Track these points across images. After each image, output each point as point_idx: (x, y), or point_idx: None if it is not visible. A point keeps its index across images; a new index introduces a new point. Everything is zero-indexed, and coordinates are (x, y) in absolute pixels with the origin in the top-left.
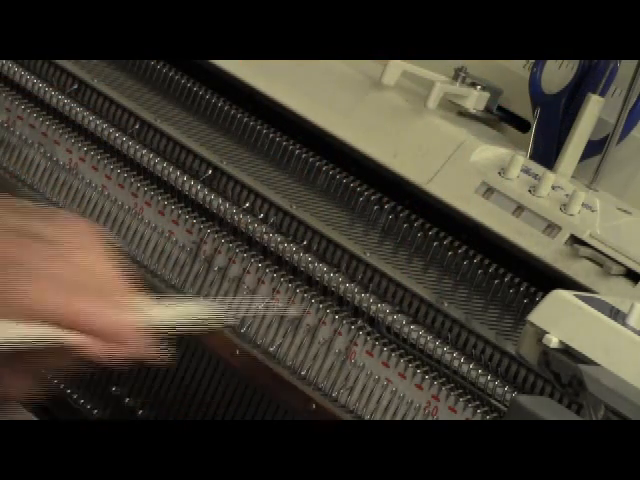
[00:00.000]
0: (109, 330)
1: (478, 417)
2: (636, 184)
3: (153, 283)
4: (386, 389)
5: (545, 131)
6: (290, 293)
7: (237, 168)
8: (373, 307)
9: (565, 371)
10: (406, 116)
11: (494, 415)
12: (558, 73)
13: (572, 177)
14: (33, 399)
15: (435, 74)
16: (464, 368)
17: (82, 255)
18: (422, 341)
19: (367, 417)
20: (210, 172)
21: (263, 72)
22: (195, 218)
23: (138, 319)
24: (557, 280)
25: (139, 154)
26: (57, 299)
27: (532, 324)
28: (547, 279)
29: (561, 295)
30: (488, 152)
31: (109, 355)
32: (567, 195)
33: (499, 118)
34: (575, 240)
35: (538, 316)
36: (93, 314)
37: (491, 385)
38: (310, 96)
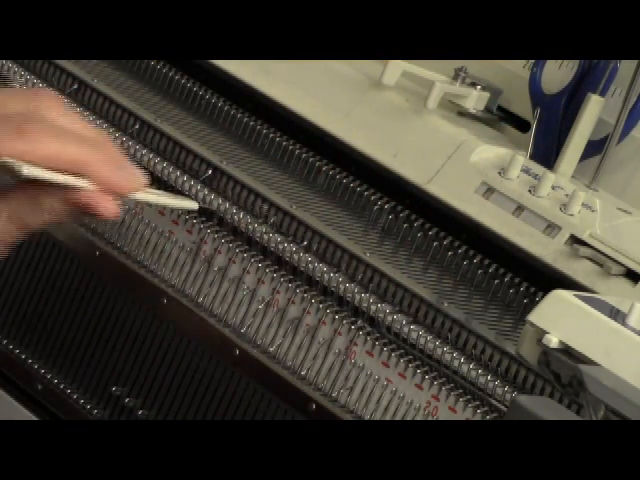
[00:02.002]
0: (118, 186)
1: (478, 417)
2: (636, 184)
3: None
4: (386, 389)
5: (545, 131)
6: (290, 293)
7: (237, 168)
8: (373, 307)
9: (565, 371)
10: (406, 116)
11: (494, 415)
12: (558, 73)
13: (572, 177)
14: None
15: (435, 74)
16: (464, 368)
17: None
18: (422, 341)
19: (367, 417)
20: (210, 172)
21: (263, 72)
22: (195, 218)
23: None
24: (557, 280)
25: (139, 154)
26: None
27: (532, 324)
28: (547, 279)
29: (561, 295)
30: (488, 152)
31: (113, 211)
32: (567, 195)
33: (499, 118)
34: (575, 240)
35: (538, 316)
36: (107, 167)
37: (491, 385)
38: (310, 96)
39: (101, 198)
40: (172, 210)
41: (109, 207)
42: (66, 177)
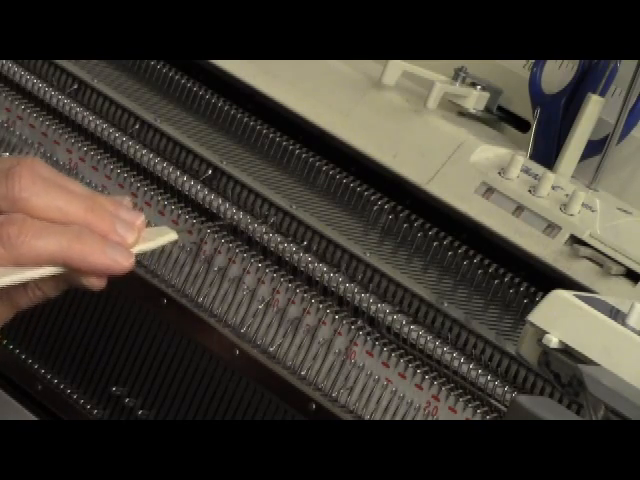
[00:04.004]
0: (106, 270)
1: (478, 417)
2: (636, 184)
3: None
4: (386, 389)
5: (545, 131)
6: (290, 293)
7: (237, 168)
8: (373, 307)
9: (565, 371)
10: (406, 116)
11: (494, 415)
12: (558, 73)
13: (572, 177)
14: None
15: (435, 74)
16: (464, 368)
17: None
18: (422, 341)
19: (367, 417)
20: (210, 172)
21: (263, 72)
22: (195, 218)
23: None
24: (557, 280)
25: (139, 154)
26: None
27: (532, 324)
28: (547, 279)
29: (561, 295)
30: (488, 152)
31: (100, 286)
32: (567, 195)
33: (499, 118)
34: (575, 240)
35: (538, 316)
36: (91, 254)
37: (491, 385)
38: (310, 96)
39: (87, 277)
40: (172, 210)
41: (95, 283)
42: (44, 271)
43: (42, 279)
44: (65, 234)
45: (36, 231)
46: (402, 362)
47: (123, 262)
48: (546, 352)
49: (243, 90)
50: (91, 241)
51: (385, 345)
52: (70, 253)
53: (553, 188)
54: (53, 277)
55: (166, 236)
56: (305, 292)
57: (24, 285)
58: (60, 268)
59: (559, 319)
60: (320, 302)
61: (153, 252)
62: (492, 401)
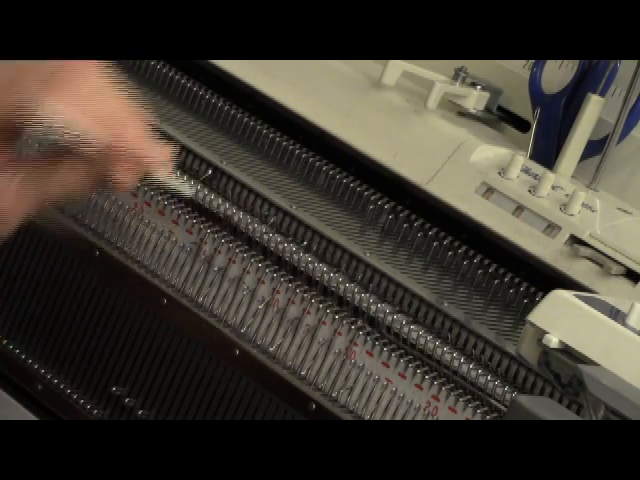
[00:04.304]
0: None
1: (478, 417)
2: (636, 184)
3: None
4: (386, 389)
5: (545, 131)
6: (290, 293)
7: (237, 168)
8: (373, 307)
9: (565, 371)
10: (406, 116)
11: (494, 415)
12: (558, 73)
13: (572, 177)
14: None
15: (435, 74)
16: (464, 368)
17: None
18: (422, 341)
19: (367, 417)
20: (210, 172)
21: (263, 72)
22: (195, 218)
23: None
24: (557, 280)
25: None
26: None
27: (532, 324)
28: (547, 279)
29: (561, 295)
30: (488, 152)
31: (130, 183)
32: (567, 195)
33: (499, 118)
34: (575, 240)
35: (538, 316)
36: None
37: (491, 385)
38: (310, 96)
39: (123, 167)
40: (172, 210)
41: (128, 177)
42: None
43: (76, 169)
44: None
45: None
46: (402, 362)
47: (164, 153)
48: (546, 352)
49: (243, 90)
50: (139, 126)
51: (385, 345)
52: (122, 117)
53: (553, 188)
54: (89, 163)
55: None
56: (305, 292)
57: (56, 174)
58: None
59: (559, 319)
60: (320, 302)
61: (153, 252)
62: (492, 401)
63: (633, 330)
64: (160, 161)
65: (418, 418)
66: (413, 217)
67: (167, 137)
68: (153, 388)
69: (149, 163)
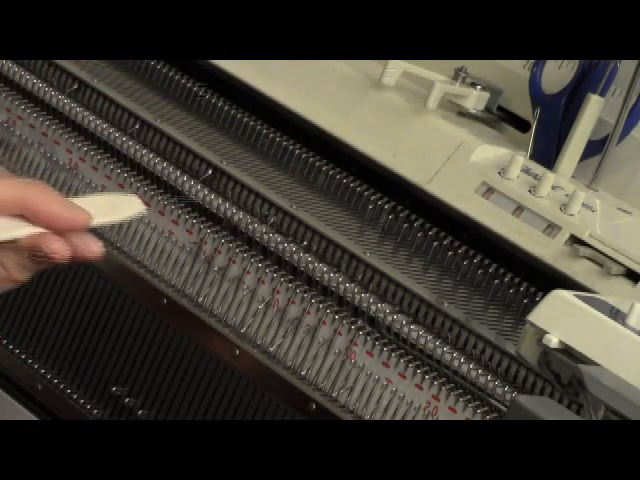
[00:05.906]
0: (65, 221)
1: (478, 417)
2: (636, 184)
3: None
4: (386, 389)
5: (545, 131)
6: (290, 293)
7: (237, 168)
8: (373, 307)
9: (565, 371)
10: (406, 116)
11: (494, 415)
12: (558, 73)
13: (572, 177)
14: None
15: (435, 74)
16: (464, 368)
17: None
18: (422, 341)
19: (367, 417)
20: (210, 172)
21: (263, 72)
22: (195, 218)
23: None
24: (557, 280)
25: (139, 154)
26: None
27: (532, 324)
28: (547, 279)
29: (561, 295)
30: (488, 152)
31: (61, 250)
32: (567, 195)
33: (499, 118)
34: (575, 240)
35: (538, 316)
36: (50, 202)
37: (491, 385)
38: (310, 96)
39: (49, 239)
40: (172, 210)
41: (59, 248)
42: (8, 230)
43: (3, 252)
44: (25, 183)
45: None
46: (402, 362)
47: (82, 215)
48: (546, 352)
49: (243, 90)
50: (51, 193)
51: (385, 345)
52: (30, 195)
53: (553, 188)
54: (15, 250)
55: (129, 209)
56: (305, 292)
57: None
58: (22, 225)
59: (559, 319)
60: (320, 302)
61: (153, 252)
62: (492, 401)
63: (633, 330)
64: (81, 219)
65: (418, 418)
66: (413, 217)
67: (167, 137)
68: (153, 388)
69: (72, 222)
